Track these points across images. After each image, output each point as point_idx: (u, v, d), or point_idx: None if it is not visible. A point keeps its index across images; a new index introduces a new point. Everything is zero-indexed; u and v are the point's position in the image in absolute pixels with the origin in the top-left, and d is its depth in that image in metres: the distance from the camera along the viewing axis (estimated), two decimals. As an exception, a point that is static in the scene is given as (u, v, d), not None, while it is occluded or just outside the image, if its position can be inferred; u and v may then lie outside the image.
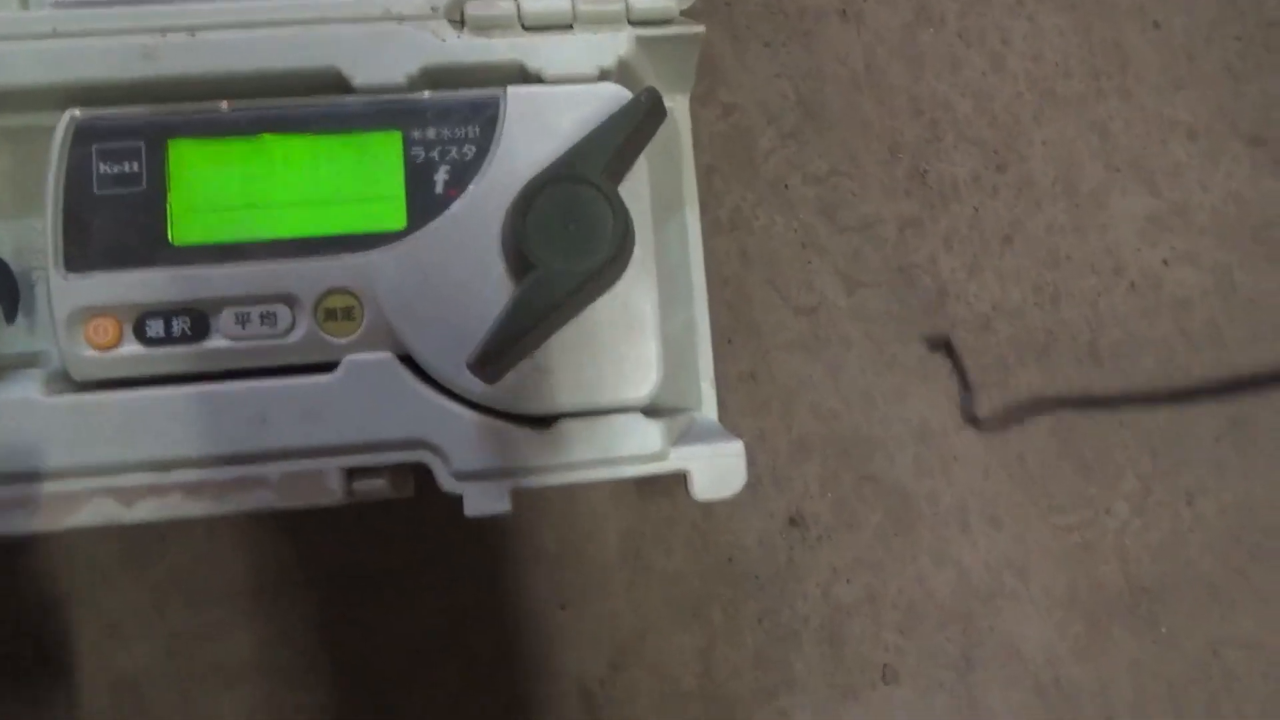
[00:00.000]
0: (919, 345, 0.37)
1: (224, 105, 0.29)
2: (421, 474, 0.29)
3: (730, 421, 0.35)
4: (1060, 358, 0.37)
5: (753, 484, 0.36)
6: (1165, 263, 0.38)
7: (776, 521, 0.36)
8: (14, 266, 0.30)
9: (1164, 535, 0.37)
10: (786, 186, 0.37)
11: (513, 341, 0.26)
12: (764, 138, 0.37)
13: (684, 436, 0.30)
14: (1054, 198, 0.38)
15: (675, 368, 0.32)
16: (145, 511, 0.27)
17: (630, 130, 0.27)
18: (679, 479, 0.29)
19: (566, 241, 0.26)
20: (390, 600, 0.34)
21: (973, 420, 0.37)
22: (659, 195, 0.31)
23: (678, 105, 0.34)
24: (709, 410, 0.33)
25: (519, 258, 0.27)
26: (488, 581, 0.34)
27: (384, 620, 0.34)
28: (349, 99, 0.29)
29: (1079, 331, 0.37)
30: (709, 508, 0.36)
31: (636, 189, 0.29)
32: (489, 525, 0.35)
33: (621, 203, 0.27)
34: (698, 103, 0.37)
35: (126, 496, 0.27)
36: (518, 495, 0.28)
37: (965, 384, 0.37)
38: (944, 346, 0.37)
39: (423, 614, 0.34)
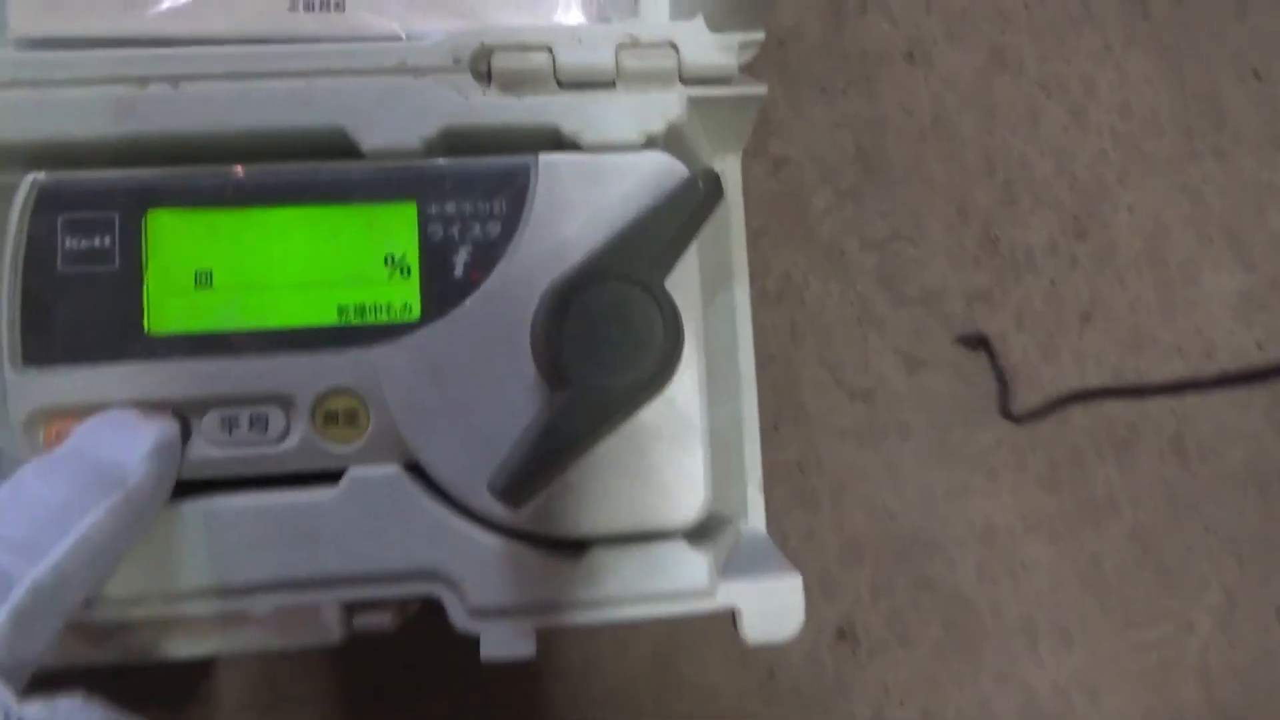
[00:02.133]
0: (985, 434, 0.33)
1: (211, 170, 0.25)
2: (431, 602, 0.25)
3: (775, 518, 0.32)
4: (1142, 452, 0.33)
5: (797, 587, 0.32)
6: (1259, 346, 0.35)
7: (824, 632, 0.32)
8: (-34, 347, 0.26)
9: (1251, 654, 0.33)
10: (842, 252, 0.33)
11: (545, 471, 0.22)
12: (819, 196, 0.33)
13: (730, 560, 0.27)
14: (1139, 271, 0.34)
15: (719, 470, 0.29)
16: (111, 653, 0.23)
17: (684, 220, 0.23)
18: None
19: (608, 352, 0.23)
20: None
21: (1009, 415, 0.33)
22: (706, 274, 0.27)
23: (728, 165, 0.30)
24: (756, 519, 0.29)
25: (553, 369, 0.23)
26: (500, 701, 0.31)
27: (384, 737, 0.31)
28: (356, 165, 0.25)
29: (1163, 423, 0.34)
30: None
31: (685, 278, 0.25)
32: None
33: (673, 306, 0.23)
34: (744, 155, 0.33)
35: (89, 635, 0.23)
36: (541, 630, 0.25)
37: (1002, 380, 0.33)
38: (981, 344, 0.33)
39: (428, 731, 0.31)
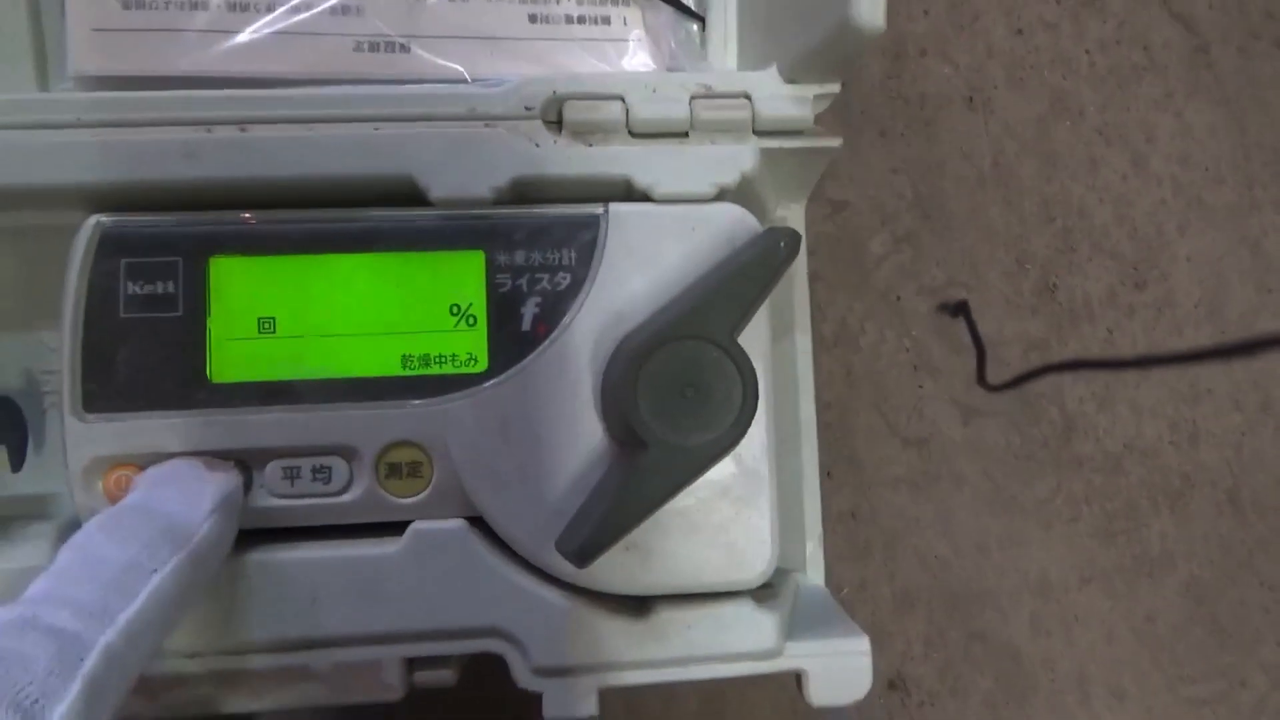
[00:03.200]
0: (1040, 485, 0.33)
1: (276, 216, 0.24)
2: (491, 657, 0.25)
3: (826, 567, 0.31)
4: (1198, 505, 0.33)
5: (847, 636, 0.32)
6: (1317, 399, 0.34)
7: (875, 684, 0.31)
8: (25, 387, 0.26)
9: (1306, 713, 0.33)
10: (899, 298, 0.33)
11: (619, 534, 0.22)
12: (875, 241, 0.33)
13: (792, 617, 0.26)
14: (1197, 322, 0.34)
15: (779, 523, 0.28)
16: (167, 707, 0.23)
17: (765, 282, 0.23)
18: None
19: (685, 413, 0.22)
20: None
21: (985, 384, 0.33)
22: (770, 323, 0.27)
23: (792, 214, 0.29)
24: (815, 573, 0.29)
25: (626, 428, 0.22)
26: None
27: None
28: (424, 213, 0.25)
29: (1219, 476, 0.33)
30: (798, 662, 0.32)
31: (755, 333, 0.25)
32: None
33: (751, 367, 0.22)
34: (802, 198, 0.33)
35: (145, 689, 0.23)
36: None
37: (980, 349, 0.33)
38: (960, 310, 0.32)
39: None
